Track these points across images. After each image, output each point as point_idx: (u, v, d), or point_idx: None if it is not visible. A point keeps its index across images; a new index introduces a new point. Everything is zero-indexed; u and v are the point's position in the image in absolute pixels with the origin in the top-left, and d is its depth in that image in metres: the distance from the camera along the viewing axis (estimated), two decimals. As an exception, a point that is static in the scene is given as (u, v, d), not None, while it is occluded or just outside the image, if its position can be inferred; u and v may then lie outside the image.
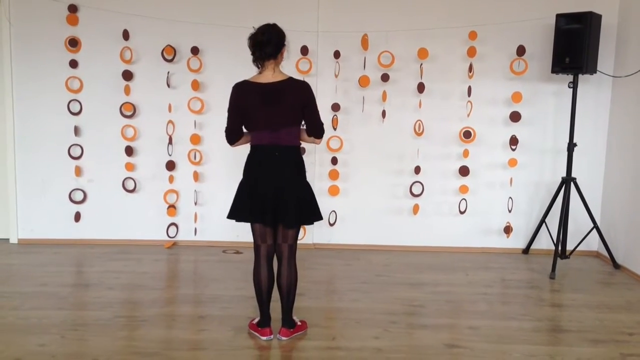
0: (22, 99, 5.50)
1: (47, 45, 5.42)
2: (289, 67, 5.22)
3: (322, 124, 3.50)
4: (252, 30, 3.37)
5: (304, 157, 5.41)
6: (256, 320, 3.64)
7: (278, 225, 3.47)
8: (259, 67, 3.39)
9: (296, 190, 3.43)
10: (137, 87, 5.51)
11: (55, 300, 4.14)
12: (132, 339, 3.55)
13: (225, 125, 3.48)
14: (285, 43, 3.41)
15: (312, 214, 3.51)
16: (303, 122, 3.47)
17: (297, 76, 5.29)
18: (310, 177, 5.49)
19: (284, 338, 3.53)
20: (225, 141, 3.52)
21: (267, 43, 3.30)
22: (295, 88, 3.38)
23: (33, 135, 5.55)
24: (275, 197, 3.38)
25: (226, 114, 3.45)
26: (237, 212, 3.47)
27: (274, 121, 3.34)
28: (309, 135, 3.51)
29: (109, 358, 3.27)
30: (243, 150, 3.56)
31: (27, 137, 5.55)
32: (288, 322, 3.57)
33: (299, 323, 3.64)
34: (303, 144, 5.35)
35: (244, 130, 3.48)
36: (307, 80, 5.31)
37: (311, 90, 3.42)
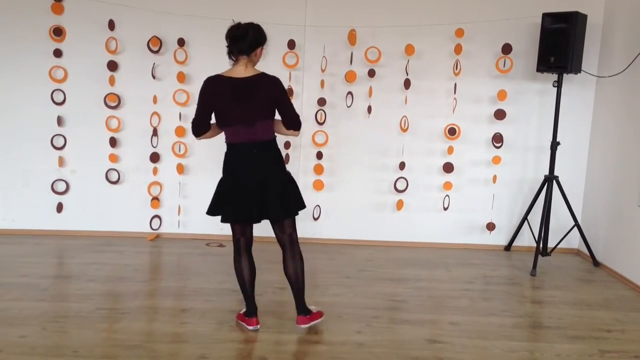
0: (4, 88, 5.43)
1: (31, 34, 5.35)
2: (275, 61, 5.22)
3: (297, 115, 3.50)
4: (232, 23, 3.39)
5: (290, 151, 5.50)
6: (243, 311, 3.68)
7: (266, 219, 3.50)
8: (232, 60, 3.40)
9: (278, 183, 3.46)
10: (122, 78, 5.47)
11: (36, 292, 4.11)
12: (114, 331, 3.53)
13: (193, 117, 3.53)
14: (264, 45, 3.42)
15: (296, 205, 3.54)
16: (277, 114, 3.50)
17: (284, 70, 5.33)
18: (294, 171, 5.56)
19: (302, 326, 3.57)
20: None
21: (240, 38, 3.31)
22: (267, 82, 3.37)
23: (16, 124, 5.48)
24: (259, 193, 3.40)
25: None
26: (219, 211, 3.48)
27: (248, 115, 3.34)
28: (288, 128, 3.52)
29: (90, 350, 3.25)
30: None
31: (10, 126, 5.49)
32: (303, 310, 3.60)
33: (314, 311, 3.68)
34: (287, 138, 5.40)
35: (214, 123, 3.51)
36: (293, 74, 5.40)
37: (282, 85, 3.43)
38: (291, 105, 3.48)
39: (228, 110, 3.35)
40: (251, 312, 3.60)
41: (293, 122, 3.49)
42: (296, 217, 3.58)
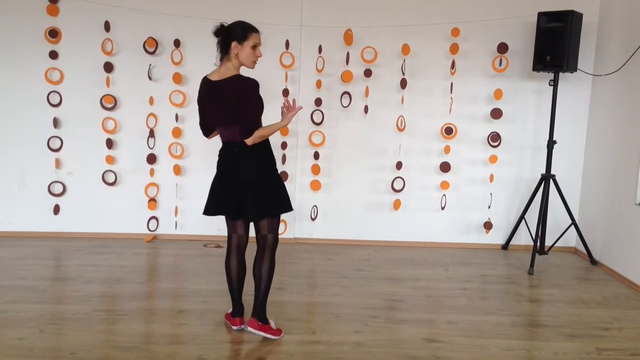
0: (0, 90, 5.42)
1: (26, 36, 5.34)
2: (271, 61, 5.22)
3: (249, 122, 3.29)
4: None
5: (286, 151, 5.49)
6: (230, 311, 3.67)
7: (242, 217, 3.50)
8: (221, 61, 3.38)
9: (256, 183, 3.38)
10: (118, 79, 5.46)
11: (34, 294, 4.10)
12: (111, 333, 3.52)
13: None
14: (242, 40, 3.26)
15: (274, 206, 3.45)
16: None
17: (280, 71, 5.34)
18: (291, 171, 5.56)
19: (249, 328, 3.45)
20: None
21: (217, 37, 3.33)
22: (235, 85, 3.25)
23: (12, 127, 5.47)
24: (238, 191, 3.39)
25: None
26: (207, 206, 3.51)
27: (221, 118, 3.36)
28: (239, 133, 3.32)
29: (87, 352, 3.25)
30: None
31: (6, 129, 5.47)
32: (258, 314, 3.47)
33: (272, 325, 3.54)
34: (283, 138, 5.40)
35: None
36: (289, 74, 5.38)
37: (251, 88, 3.26)
38: (249, 109, 3.27)
39: (207, 112, 3.42)
40: (236, 312, 3.60)
41: (243, 129, 3.29)
42: (273, 217, 3.47)
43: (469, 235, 5.71)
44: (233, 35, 3.28)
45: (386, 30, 5.41)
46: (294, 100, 3.57)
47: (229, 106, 3.27)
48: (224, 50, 3.31)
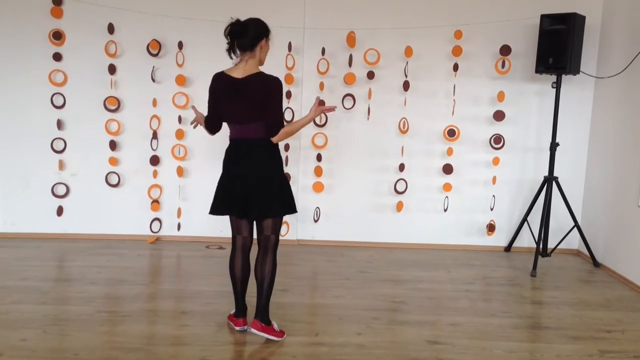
0: (4, 91, 5.44)
1: (30, 38, 5.36)
2: (275, 63, 5.21)
3: (278, 121, 3.36)
4: (230, 20, 3.35)
5: (289, 153, 5.50)
6: (233, 311, 3.68)
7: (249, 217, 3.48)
8: (231, 58, 3.37)
9: (265, 182, 3.39)
10: (122, 81, 5.48)
11: (37, 295, 4.11)
12: (114, 334, 3.53)
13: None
14: (268, 38, 3.37)
15: (281, 206, 3.45)
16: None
17: (283, 72, 5.33)
18: (294, 173, 5.56)
19: (252, 330, 3.49)
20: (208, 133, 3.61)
21: (240, 34, 3.28)
22: (260, 83, 3.28)
23: (15, 128, 5.49)
24: (245, 190, 3.38)
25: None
26: (213, 206, 3.51)
27: (241, 115, 3.34)
28: (265, 132, 3.36)
29: (90, 353, 3.25)
30: (227, 145, 3.56)
31: (10, 130, 5.49)
32: (261, 315, 3.50)
33: (275, 327, 3.55)
34: (286, 140, 5.40)
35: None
36: (292, 76, 5.38)
37: (276, 86, 3.30)
38: (276, 108, 3.35)
39: (226, 108, 3.38)
40: (239, 312, 3.61)
41: (270, 127, 3.34)
42: (278, 218, 3.47)
43: (471, 237, 5.71)
44: (264, 32, 3.33)
45: (389, 32, 5.41)
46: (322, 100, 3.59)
47: (252, 103, 3.29)
48: (248, 47, 3.29)
